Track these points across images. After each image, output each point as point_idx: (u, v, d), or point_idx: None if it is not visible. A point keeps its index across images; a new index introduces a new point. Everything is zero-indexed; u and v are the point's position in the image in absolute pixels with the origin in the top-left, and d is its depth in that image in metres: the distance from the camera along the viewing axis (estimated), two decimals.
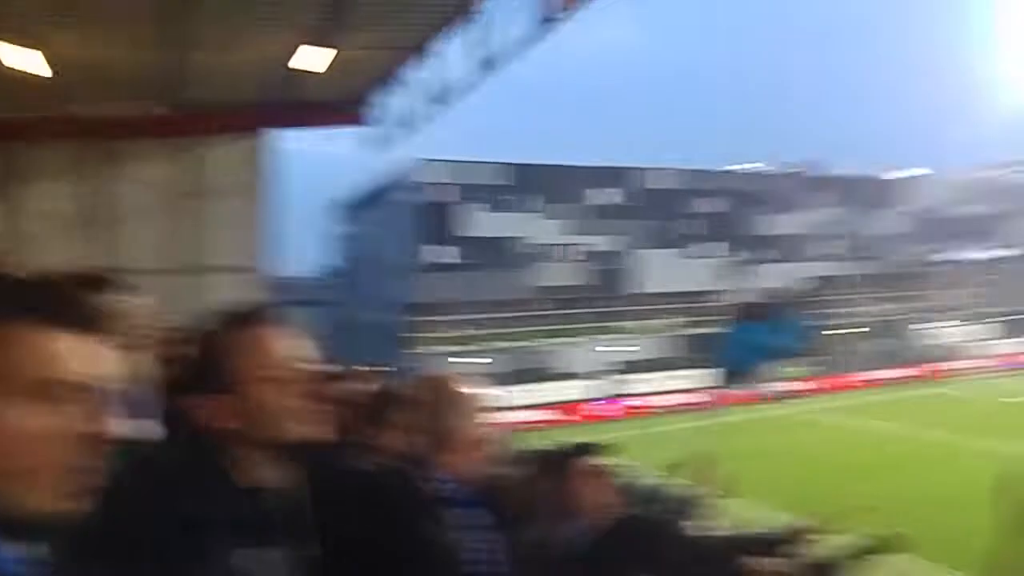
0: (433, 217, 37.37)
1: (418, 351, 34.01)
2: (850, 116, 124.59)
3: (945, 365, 39.45)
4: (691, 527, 4.43)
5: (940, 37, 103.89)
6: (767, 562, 3.04)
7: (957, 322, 43.47)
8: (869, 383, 37.18)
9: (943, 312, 44.17)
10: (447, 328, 36.40)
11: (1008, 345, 42.03)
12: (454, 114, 13.74)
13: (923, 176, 50.88)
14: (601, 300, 39.35)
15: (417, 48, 11.32)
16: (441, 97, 12.02)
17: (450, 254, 37.58)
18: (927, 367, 39.36)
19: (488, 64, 10.74)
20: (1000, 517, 2.05)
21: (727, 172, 46.47)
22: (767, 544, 3.90)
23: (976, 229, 47.83)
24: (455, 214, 37.92)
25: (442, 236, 37.42)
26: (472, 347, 35.17)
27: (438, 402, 1.88)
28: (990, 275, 46.45)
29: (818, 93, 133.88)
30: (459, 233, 37.81)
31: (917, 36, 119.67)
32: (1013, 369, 38.75)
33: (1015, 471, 2.03)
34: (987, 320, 43.94)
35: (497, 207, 38.42)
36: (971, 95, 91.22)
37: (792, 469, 20.11)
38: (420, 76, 12.04)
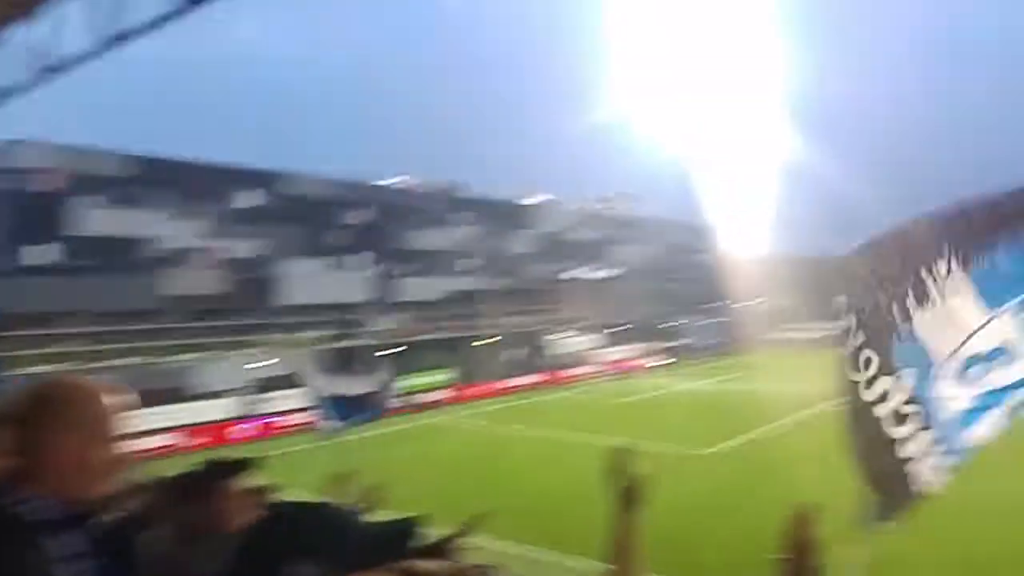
0: (32, 210, 31.37)
1: (5, 370, 28.22)
2: (490, 141, 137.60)
3: (569, 372, 45.36)
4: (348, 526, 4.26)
5: (577, 81, 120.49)
6: (430, 564, 3.01)
7: (577, 333, 50.54)
8: (504, 390, 40.67)
9: (566, 324, 51.09)
10: (46, 343, 30.85)
11: (617, 352, 50.11)
12: (70, 92, 11.85)
13: (548, 203, 58.34)
14: (242, 312, 37.03)
15: (22, 6, 9.53)
16: (52, 69, 10.27)
17: (54, 255, 31.84)
18: (554, 374, 44.79)
19: (115, 39, 9.45)
20: (611, 499, 2.24)
21: (375, 185, 47.52)
22: (427, 547, 3.91)
23: (589, 252, 56.50)
24: (62, 208, 32.31)
25: (43, 233, 31.54)
26: (80, 364, 30.28)
27: (42, 415, 1.52)
28: (601, 292, 55.08)
29: (465, 116, 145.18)
30: (67, 231, 32.31)
31: (556, 76, 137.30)
32: (622, 373, 46.43)
33: (620, 456, 2.23)
34: (600, 331, 51.73)
35: (117, 203, 33.73)
36: (590, 134, 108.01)
37: (434, 476, 21.00)
38: (26, 40, 10.16)
